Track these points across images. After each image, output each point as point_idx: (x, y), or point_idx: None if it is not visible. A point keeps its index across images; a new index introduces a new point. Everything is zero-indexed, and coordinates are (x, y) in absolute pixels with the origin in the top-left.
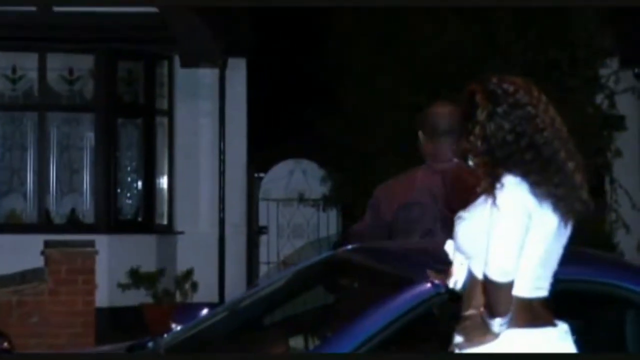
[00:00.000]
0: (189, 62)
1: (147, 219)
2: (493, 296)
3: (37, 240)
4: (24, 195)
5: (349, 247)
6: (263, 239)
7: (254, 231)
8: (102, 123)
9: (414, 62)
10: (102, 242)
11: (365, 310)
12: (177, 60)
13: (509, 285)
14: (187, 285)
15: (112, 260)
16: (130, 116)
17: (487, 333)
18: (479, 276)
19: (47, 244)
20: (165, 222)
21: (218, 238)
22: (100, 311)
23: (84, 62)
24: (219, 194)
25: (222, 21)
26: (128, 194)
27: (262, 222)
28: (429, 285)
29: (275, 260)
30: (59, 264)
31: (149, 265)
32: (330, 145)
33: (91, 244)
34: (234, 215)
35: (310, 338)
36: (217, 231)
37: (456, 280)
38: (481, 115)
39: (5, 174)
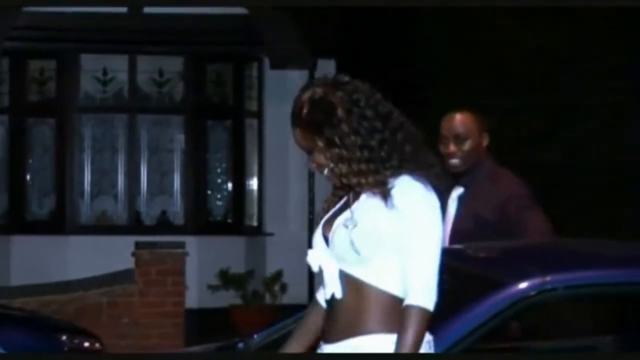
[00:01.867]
0: (278, 64)
1: (236, 221)
2: (417, 328)
3: (127, 242)
4: (115, 196)
5: None
6: None
7: None
8: (192, 125)
9: (500, 64)
10: (192, 243)
11: (453, 312)
12: (266, 62)
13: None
14: (277, 287)
15: (201, 262)
16: (220, 118)
17: None
18: (373, 283)
19: (137, 245)
20: (254, 223)
21: (307, 239)
22: (189, 312)
23: (173, 65)
24: (308, 195)
25: (311, 23)
26: (218, 196)
27: None
28: (518, 287)
29: None
30: (149, 266)
31: (238, 267)
32: None
33: (181, 245)
34: None
35: None
36: (307, 232)
37: (333, 291)
38: (342, 111)
39: (96, 175)
